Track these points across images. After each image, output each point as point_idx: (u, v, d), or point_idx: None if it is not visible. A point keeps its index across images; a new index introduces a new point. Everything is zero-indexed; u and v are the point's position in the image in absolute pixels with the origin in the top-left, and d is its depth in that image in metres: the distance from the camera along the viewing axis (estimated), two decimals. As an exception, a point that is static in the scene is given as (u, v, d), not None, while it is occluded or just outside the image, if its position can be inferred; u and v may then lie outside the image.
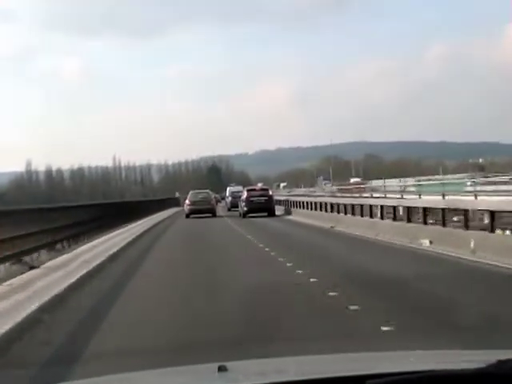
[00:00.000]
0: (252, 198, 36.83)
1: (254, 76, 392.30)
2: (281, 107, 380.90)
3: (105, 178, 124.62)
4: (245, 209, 36.70)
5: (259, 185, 55.04)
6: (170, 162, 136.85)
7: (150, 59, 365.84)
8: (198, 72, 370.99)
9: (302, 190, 64.76)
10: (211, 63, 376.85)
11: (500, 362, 2.14)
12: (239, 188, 50.47)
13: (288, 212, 37.35)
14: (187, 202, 39.70)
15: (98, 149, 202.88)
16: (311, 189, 65.80)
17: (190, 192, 41.32)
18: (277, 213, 37.16)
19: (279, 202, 41.22)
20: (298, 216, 33.20)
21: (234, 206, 44.91)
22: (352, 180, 59.18)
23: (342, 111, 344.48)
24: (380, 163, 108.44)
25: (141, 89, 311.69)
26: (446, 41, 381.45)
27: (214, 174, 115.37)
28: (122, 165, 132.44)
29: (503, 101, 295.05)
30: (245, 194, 38.07)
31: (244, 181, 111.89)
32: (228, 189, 53.57)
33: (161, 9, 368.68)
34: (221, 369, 2.41)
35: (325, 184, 70.70)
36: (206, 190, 43.55)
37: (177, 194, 74.37)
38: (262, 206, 36.50)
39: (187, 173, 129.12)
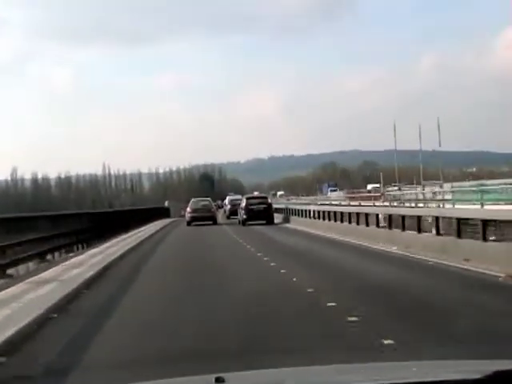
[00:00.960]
0: (251, 206, 37.11)
1: (245, 85, 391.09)
2: (272, 116, 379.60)
3: (94, 185, 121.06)
4: (244, 216, 36.97)
5: (255, 193, 56.23)
6: (161, 170, 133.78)
7: (142, 68, 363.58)
8: (190, 81, 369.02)
9: (305, 199, 59.52)
10: (202, 72, 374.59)
11: (497, 373, 2.15)
12: (238, 197, 52.12)
13: (286, 220, 37.36)
14: (188, 209, 40.14)
15: (88, 157, 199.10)
16: (316, 196, 61.95)
17: (192, 200, 41.86)
18: (276, 221, 37.17)
19: (277, 210, 40.57)
20: (302, 226, 30.95)
21: (232, 213, 46.03)
22: (370, 186, 53.87)
23: (334, 120, 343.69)
24: (378, 170, 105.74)
25: (131, 97, 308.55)
26: (436, 50, 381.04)
27: (207, 181, 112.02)
28: (112, 172, 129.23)
29: (494, 110, 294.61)
30: (244, 202, 38.28)
31: (238, 189, 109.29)
32: (227, 198, 55.68)
33: (152, 18, 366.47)
34: (218, 380, 2.38)
35: (330, 191, 67.25)
36: (207, 198, 43.85)
37: (167, 204, 65.33)
38: (261, 214, 36.75)
39: (179, 181, 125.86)
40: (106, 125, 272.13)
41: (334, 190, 68.08)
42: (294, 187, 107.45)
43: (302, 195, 57.73)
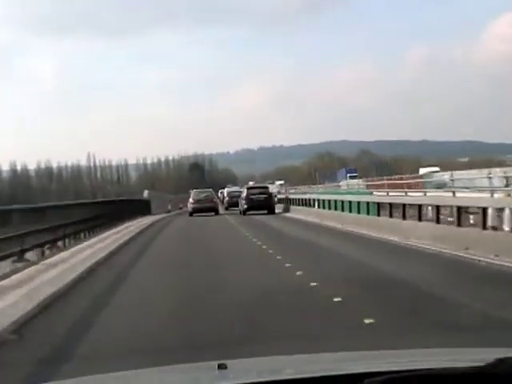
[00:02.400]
0: (252, 196, 37.15)
1: (234, 77, 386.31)
2: (261, 108, 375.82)
3: (76, 176, 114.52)
4: (245, 206, 36.90)
5: (250, 183, 57.25)
6: (148, 161, 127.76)
7: (128, 59, 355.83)
8: (177, 73, 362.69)
9: (317, 187, 50.02)
10: (190, 64, 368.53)
11: (499, 361, 2.10)
12: (236, 188, 54.60)
13: (286, 209, 37.75)
14: (191, 200, 40.10)
15: (72, 147, 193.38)
16: (321, 185, 53.70)
17: (193, 191, 41.94)
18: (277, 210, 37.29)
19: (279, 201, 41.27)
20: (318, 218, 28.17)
21: (231, 205, 46.61)
22: (423, 170, 45.82)
23: (323, 112, 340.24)
24: (374, 160, 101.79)
25: (118, 89, 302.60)
26: (426, 42, 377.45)
27: (197, 171, 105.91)
28: (98, 163, 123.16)
29: (484, 101, 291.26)
30: (245, 192, 38.26)
31: (230, 179, 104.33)
32: (226, 189, 56.78)
33: (138, 10, 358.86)
34: (220, 367, 2.39)
35: (349, 178, 57.38)
36: (209, 189, 44.22)
37: (145, 194, 49.83)
38: (262, 204, 36.79)
39: (167, 171, 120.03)
40: (92, 117, 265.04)
41: (354, 177, 57.80)
42: (288, 177, 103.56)
43: (310, 186, 51.52)
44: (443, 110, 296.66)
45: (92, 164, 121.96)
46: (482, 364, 2.11)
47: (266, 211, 35.92)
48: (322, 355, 3.55)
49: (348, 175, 63.64)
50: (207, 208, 38.52)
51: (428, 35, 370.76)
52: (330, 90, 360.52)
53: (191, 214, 38.62)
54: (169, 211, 48.32)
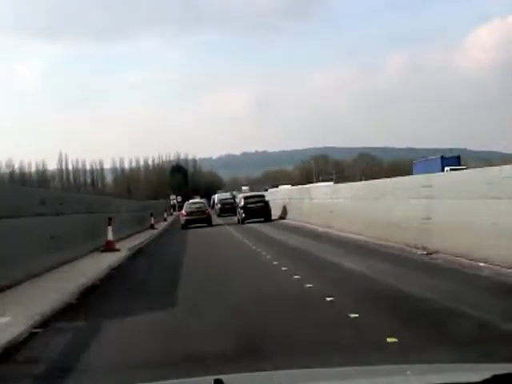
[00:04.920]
0: (249, 205, 37.84)
1: (217, 82, 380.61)
2: (244, 113, 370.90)
3: (42, 181, 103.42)
4: (243, 215, 37.64)
5: (244, 188, 59.01)
6: (126, 164, 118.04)
7: (111, 63, 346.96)
8: (159, 77, 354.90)
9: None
10: (173, 69, 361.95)
11: (495, 377, 2.15)
12: (227, 195, 55.25)
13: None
14: (183, 212, 39.47)
15: (43, 149, 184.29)
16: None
17: (186, 203, 41.82)
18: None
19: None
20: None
21: (223, 211, 48.15)
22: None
23: (305, 118, 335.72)
24: (375, 164, 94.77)
25: (99, 92, 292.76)
26: (407, 50, 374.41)
27: (179, 174, 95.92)
28: (70, 167, 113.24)
29: (468, 109, 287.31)
30: (242, 202, 38.81)
31: (216, 184, 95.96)
32: (216, 196, 57.19)
33: (123, 14, 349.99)
34: (217, 382, 2.33)
35: (450, 170, 36.21)
36: (201, 200, 44.80)
37: None
38: (259, 212, 37.45)
39: (146, 174, 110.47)
40: (67, 118, 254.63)
41: (458, 169, 35.76)
42: (278, 181, 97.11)
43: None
44: (428, 118, 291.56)
45: (64, 166, 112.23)
46: (478, 380, 2.13)
47: (262, 219, 36.89)
48: (320, 370, 3.57)
49: (448, 168, 41.53)
50: (200, 220, 37.79)
51: (406, 42, 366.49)
52: (313, 96, 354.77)
53: (184, 227, 37.30)
54: (176, 215, 47.23)
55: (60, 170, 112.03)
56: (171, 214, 63.75)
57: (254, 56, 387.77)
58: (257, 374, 3.81)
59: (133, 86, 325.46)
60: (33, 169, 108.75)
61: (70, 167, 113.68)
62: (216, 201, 54.02)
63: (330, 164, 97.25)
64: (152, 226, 38.28)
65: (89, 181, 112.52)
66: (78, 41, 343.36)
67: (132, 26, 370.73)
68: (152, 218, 39.53)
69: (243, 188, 55.60)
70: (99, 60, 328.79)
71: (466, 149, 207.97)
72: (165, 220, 49.83)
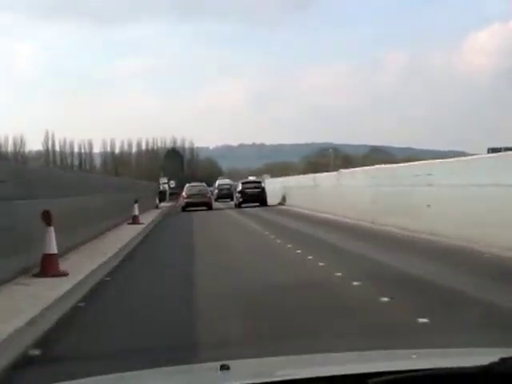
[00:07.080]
0: (247, 190, 39.55)
1: (216, 73, 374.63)
2: (242, 106, 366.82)
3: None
4: (240, 199, 39.35)
5: (250, 178, 57.64)
6: (117, 148, 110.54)
7: (109, 49, 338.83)
8: (157, 66, 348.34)
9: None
10: (172, 58, 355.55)
11: (503, 360, 2.07)
12: (227, 181, 57.80)
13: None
14: (183, 195, 39.94)
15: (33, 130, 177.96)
16: None
17: (186, 185, 41.53)
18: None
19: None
20: None
21: (220, 197, 50.82)
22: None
23: (304, 113, 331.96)
24: (389, 159, 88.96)
25: (94, 79, 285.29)
26: (407, 49, 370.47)
27: (175, 159, 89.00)
28: (58, 148, 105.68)
29: (467, 111, 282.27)
30: (240, 187, 40.64)
31: (215, 173, 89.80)
32: (217, 182, 57.92)
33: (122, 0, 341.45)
34: (223, 367, 2.32)
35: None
36: (202, 184, 43.79)
37: None
38: (256, 197, 38.92)
39: (138, 157, 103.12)
40: (60, 100, 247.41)
41: None
42: (283, 173, 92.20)
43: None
44: (427, 119, 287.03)
45: (50, 146, 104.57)
46: (485, 363, 2.07)
47: (258, 204, 38.21)
48: (325, 355, 3.54)
49: None
50: (200, 203, 38.17)
51: (407, 41, 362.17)
52: (312, 90, 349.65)
53: (184, 209, 37.83)
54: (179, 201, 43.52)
55: (46, 150, 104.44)
56: (156, 207, 41.83)
57: (255, 47, 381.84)
58: (264, 359, 3.74)
59: (131, 73, 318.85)
60: (10, 148, 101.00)
61: (58, 148, 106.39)
62: (215, 186, 56.11)
63: (338, 158, 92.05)
64: (135, 220, 24.36)
65: (76, 163, 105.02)
66: (77, 23, 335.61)
67: (132, 11, 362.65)
68: (136, 208, 24.86)
69: (250, 178, 54.74)
70: (98, 45, 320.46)
71: (463, 151, 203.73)
72: (157, 207, 40.76)
